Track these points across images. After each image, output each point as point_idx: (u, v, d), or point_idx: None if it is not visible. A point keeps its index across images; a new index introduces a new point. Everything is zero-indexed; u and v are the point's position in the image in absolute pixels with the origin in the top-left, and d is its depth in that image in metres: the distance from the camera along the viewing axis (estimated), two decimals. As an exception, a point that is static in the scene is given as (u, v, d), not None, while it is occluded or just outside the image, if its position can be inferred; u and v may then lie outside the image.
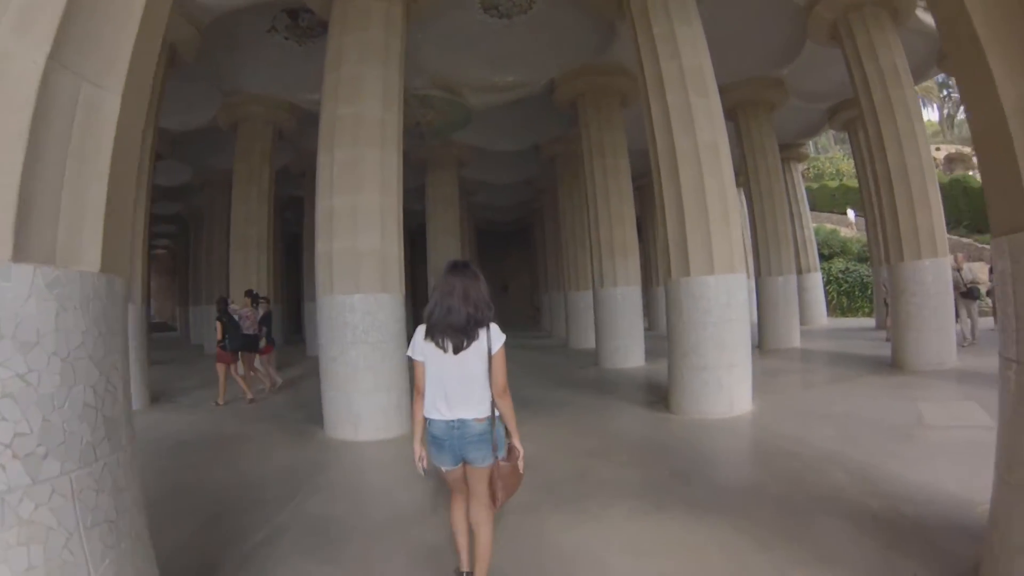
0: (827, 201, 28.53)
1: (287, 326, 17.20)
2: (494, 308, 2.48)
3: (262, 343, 8.73)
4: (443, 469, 2.48)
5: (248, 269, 11.59)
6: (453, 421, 2.36)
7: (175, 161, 14.88)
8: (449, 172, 14.17)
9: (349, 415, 5.79)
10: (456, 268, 2.46)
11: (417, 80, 10.25)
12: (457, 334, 2.34)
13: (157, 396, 8.76)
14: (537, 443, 5.28)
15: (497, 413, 2.42)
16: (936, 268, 8.12)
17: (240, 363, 8.45)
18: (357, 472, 4.89)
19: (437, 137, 12.23)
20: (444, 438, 2.38)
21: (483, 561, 2.46)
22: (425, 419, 2.45)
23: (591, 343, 13.46)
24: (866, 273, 20.99)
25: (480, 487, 2.45)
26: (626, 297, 10.07)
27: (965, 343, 9.62)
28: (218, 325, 7.99)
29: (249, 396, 8.19)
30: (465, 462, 2.44)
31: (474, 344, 2.37)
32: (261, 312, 8.82)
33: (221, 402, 8.06)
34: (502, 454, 2.45)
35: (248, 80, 10.61)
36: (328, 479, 4.64)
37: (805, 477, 4.05)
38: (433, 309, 2.39)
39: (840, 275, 21.39)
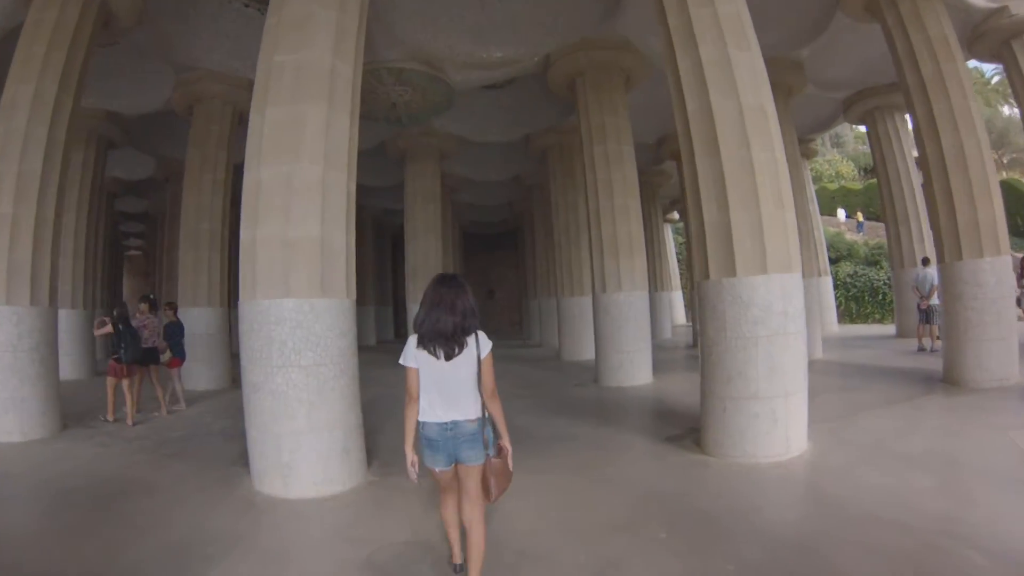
0: (827, 204, 27.51)
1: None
2: (479, 317, 2.57)
3: (165, 356, 7.68)
4: (436, 470, 2.55)
5: (199, 270, 10.00)
6: (447, 423, 2.46)
7: (135, 151, 13.38)
8: (430, 164, 12.59)
9: (277, 463, 4.18)
10: (444, 280, 2.56)
11: (391, 52, 8.69)
12: (447, 342, 2.44)
13: (80, 417, 7.16)
14: (536, 509, 3.74)
15: (487, 414, 2.52)
16: (998, 268, 6.84)
17: (144, 377, 7.56)
18: (277, 560, 3.27)
19: (416, 122, 10.64)
20: (438, 439, 2.47)
21: (476, 559, 2.51)
22: (419, 422, 2.52)
23: (588, 355, 11.97)
24: (876, 277, 19.87)
25: (472, 485, 2.53)
26: (632, 304, 8.57)
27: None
28: (110, 331, 6.80)
29: (163, 412, 7.42)
30: (458, 462, 2.52)
31: (465, 351, 2.47)
32: (166, 321, 7.81)
33: (111, 417, 6.96)
34: (492, 452, 2.53)
35: (205, 55, 9.07)
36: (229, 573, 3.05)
37: (927, 563, 2.77)
38: (423, 319, 2.48)
39: (848, 279, 20.26)
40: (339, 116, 4.61)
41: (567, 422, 6.30)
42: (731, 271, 4.53)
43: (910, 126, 9.39)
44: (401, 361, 2.54)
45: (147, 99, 10.71)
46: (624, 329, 8.50)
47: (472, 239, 25.68)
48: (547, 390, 8.60)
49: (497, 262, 26.35)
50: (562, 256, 12.53)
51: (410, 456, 2.49)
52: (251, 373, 4.24)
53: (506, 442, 2.57)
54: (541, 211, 16.55)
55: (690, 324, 22.79)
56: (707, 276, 4.73)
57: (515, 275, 25.67)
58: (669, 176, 17.97)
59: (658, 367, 9.17)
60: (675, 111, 5.14)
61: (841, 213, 28.09)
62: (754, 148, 4.66)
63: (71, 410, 7.24)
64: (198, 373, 9.44)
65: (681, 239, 28.51)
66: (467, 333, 2.48)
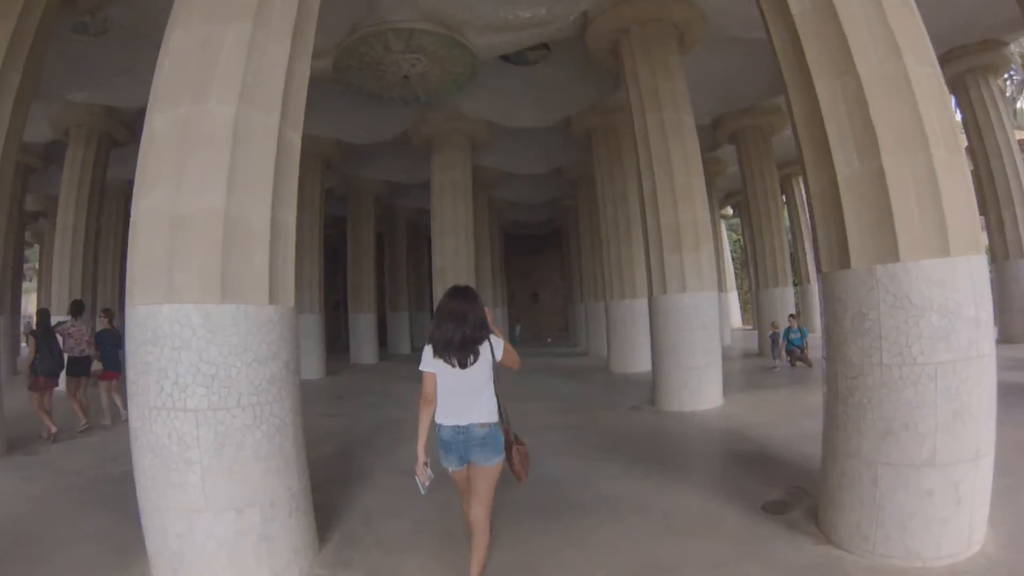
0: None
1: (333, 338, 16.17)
2: (489, 328, 2.61)
3: (96, 367, 6.83)
4: (450, 469, 2.59)
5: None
6: (460, 426, 2.49)
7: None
8: (459, 153, 11.12)
9: (164, 550, 2.72)
10: (456, 293, 2.62)
11: (399, 11, 7.26)
12: (460, 352, 2.48)
13: (28, 440, 6.08)
14: None
15: (497, 420, 2.57)
16: None
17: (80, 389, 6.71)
18: None
19: (435, 99, 9.17)
20: (451, 441, 2.50)
21: (478, 561, 2.55)
22: (435, 424, 2.56)
23: (641, 367, 10.17)
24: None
25: (482, 485, 2.53)
26: (699, 308, 6.74)
27: None
28: (31, 342, 5.94)
29: (84, 425, 6.52)
30: (469, 462, 2.52)
31: (480, 359, 2.52)
32: (98, 328, 7.05)
33: (53, 430, 6.09)
34: (500, 457, 2.56)
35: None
36: None
37: None
38: (438, 330, 2.54)
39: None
40: (273, 38, 3.12)
41: (619, 471, 4.55)
42: (889, 253, 2.71)
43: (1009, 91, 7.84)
44: (421, 367, 2.57)
45: (144, 91, 9.82)
46: (689, 339, 6.67)
47: (514, 240, 24.14)
48: (592, 415, 6.86)
49: (541, 264, 24.69)
50: (610, 254, 10.77)
51: (421, 457, 2.50)
52: (131, 414, 2.78)
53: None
54: (587, 206, 14.82)
55: (749, 328, 20.53)
56: (842, 263, 2.92)
57: (561, 278, 23.93)
58: (726, 164, 15.98)
59: (726, 384, 7.27)
60: (771, 24, 3.38)
61: None
62: (907, 57, 2.86)
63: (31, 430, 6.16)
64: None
65: (735, 236, 26.01)
66: (477, 343, 2.53)
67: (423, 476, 2.50)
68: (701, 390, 6.76)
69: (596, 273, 14.83)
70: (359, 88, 8.70)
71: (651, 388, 7.35)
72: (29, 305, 24.81)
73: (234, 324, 2.69)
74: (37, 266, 24.31)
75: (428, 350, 2.56)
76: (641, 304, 10.58)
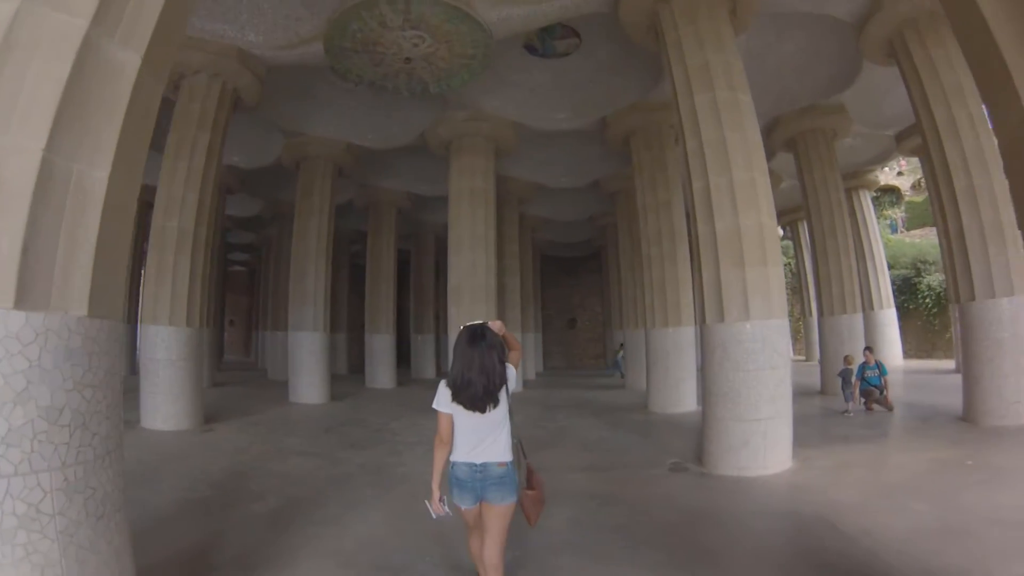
0: (920, 216, 24.07)
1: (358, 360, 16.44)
2: (504, 375, 2.52)
3: None
4: (462, 507, 2.52)
5: (305, 299, 10.52)
6: (477, 465, 2.44)
7: (247, 196, 14.75)
8: (480, 158, 9.85)
9: None
10: (473, 339, 2.48)
11: (398, -21, 6.07)
12: (482, 401, 2.42)
13: None
14: None
15: (512, 458, 2.50)
16: None
17: None
18: None
19: (446, 88, 7.89)
20: (467, 480, 2.44)
21: None
22: (450, 462, 2.50)
23: (683, 406, 8.50)
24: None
25: (497, 525, 2.47)
26: (766, 340, 5.04)
27: None
28: None
29: None
30: (483, 501, 2.46)
31: (500, 401, 2.46)
32: None
33: None
34: (516, 497, 2.50)
35: (310, 123, 10.66)
36: None
37: None
38: (456, 378, 2.46)
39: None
40: None
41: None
42: None
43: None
44: (434, 406, 2.52)
45: (261, 156, 12.13)
46: (753, 382, 4.97)
47: (552, 263, 22.66)
48: (622, 477, 5.22)
49: (580, 288, 23.06)
50: (652, 275, 9.14)
51: (436, 493, 2.48)
52: None
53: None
54: (627, 222, 13.25)
55: (800, 359, 18.16)
56: None
57: (600, 303, 22.20)
58: (779, 178, 14.23)
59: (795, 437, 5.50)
60: None
61: None
62: None
63: None
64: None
65: (786, 258, 23.57)
66: (499, 390, 2.46)
67: (439, 510, 2.49)
68: (766, 449, 5.02)
69: (636, 297, 13.14)
70: (358, 77, 7.58)
71: (698, 438, 5.66)
72: None
73: None
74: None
75: (444, 391, 2.50)
76: (687, 333, 8.90)
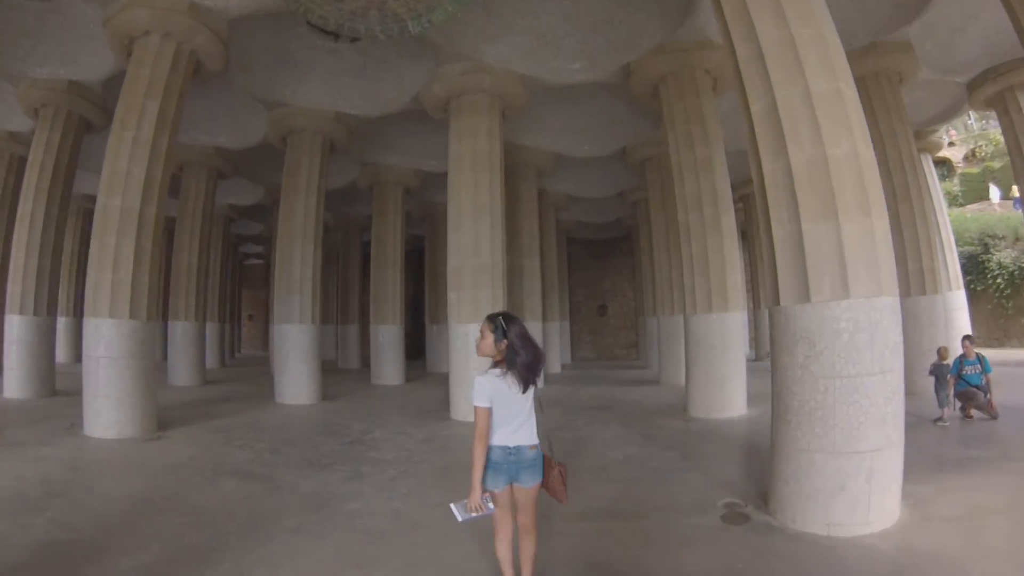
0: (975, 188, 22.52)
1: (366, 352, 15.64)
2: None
3: None
4: (496, 491, 2.53)
5: (292, 289, 9.27)
6: (511, 448, 2.51)
7: (247, 181, 13.64)
8: (483, 118, 8.16)
9: None
10: (515, 319, 2.58)
11: None
12: (531, 377, 2.52)
13: None
14: None
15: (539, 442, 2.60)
16: None
17: None
18: None
19: (425, 26, 6.15)
20: (502, 463, 2.51)
21: (528, 563, 2.58)
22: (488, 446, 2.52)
23: (731, 409, 6.87)
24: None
25: (529, 502, 2.58)
26: (876, 330, 3.19)
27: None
28: None
29: None
30: (515, 483, 2.54)
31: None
32: None
33: None
34: (542, 476, 2.60)
35: (292, 92, 9.21)
36: None
37: None
38: (519, 353, 2.50)
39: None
40: None
41: None
42: None
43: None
44: (475, 403, 2.50)
45: (246, 134, 10.75)
46: (855, 396, 3.14)
47: (579, 246, 20.78)
48: (651, 538, 3.48)
49: (610, 272, 21.10)
50: (692, 247, 7.31)
51: (477, 489, 2.47)
52: None
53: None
54: (660, 194, 11.35)
55: None
56: None
57: (632, 287, 20.26)
58: None
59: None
60: None
61: (994, 191, 22.24)
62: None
63: None
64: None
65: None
66: (542, 367, 2.59)
67: (482, 507, 2.44)
68: (870, 496, 3.20)
69: (672, 277, 11.26)
70: (323, 21, 6.02)
71: (757, 461, 3.93)
72: None
73: None
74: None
75: (483, 384, 2.49)
76: (735, 321, 7.07)
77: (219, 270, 15.34)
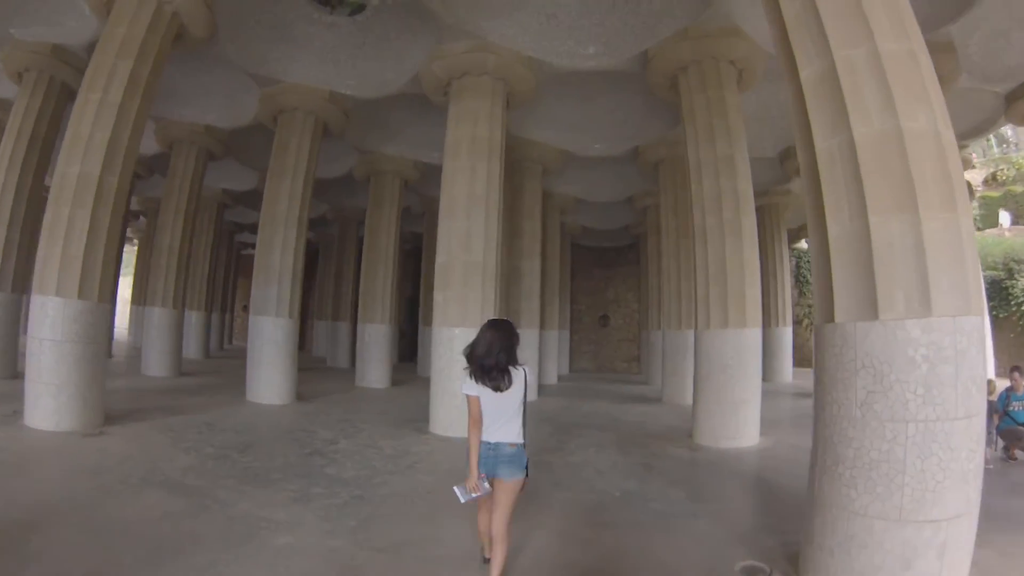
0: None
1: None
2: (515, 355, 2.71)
3: None
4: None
5: (270, 281, 8.39)
6: (491, 444, 2.63)
7: (240, 165, 13.17)
8: (482, 100, 7.40)
9: None
10: (493, 324, 2.76)
11: None
12: (496, 377, 2.61)
13: None
14: None
15: (523, 442, 2.70)
16: None
17: None
18: None
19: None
20: (482, 457, 2.61)
21: (498, 566, 2.60)
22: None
23: (743, 438, 6.07)
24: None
25: (505, 499, 2.63)
26: (962, 357, 2.38)
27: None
28: None
29: None
30: (494, 477, 2.63)
31: (514, 383, 2.65)
32: None
33: None
34: (524, 473, 2.69)
35: (285, 68, 8.48)
36: None
37: None
38: (473, 359, 2.68)
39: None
40: None
41: None
42: None
43: None
44: (463, 391, 2.70)
45: (238, 113, 10.06)
46: (931, 446, 2.33)
47: (584, 252, 19.95)
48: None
49: (615, 281, 20.24)
50: (708, 253, 6.50)
51: (475, 472, 2.59)
52: None
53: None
54: (673, 199, 10.56)
55: None
56: None
57: (636, 298, 19.42)
58: (796, 196, 13.22)
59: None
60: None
61: (1004, 216, 22.92)
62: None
63: None
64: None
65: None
66: (509, 365, 2.65)
67: (477, 489, 2.56)
68: (941, 572, 2.38)
69: (681, 289, 10.45)
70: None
71: (777, 505, 3.11)
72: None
73: None
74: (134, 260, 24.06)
75: (468, 378, 2.68)
76: (753, 338, 6.26)
77: (209, 257, 14.60)
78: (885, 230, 2.46)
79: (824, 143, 2.76)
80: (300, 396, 8.62)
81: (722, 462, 5.41)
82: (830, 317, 2.62)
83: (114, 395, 7.75)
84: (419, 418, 7.14)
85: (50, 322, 5.69)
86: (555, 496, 4.18)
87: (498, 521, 2.62)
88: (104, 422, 6.03)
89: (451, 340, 6.67)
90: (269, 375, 8.08)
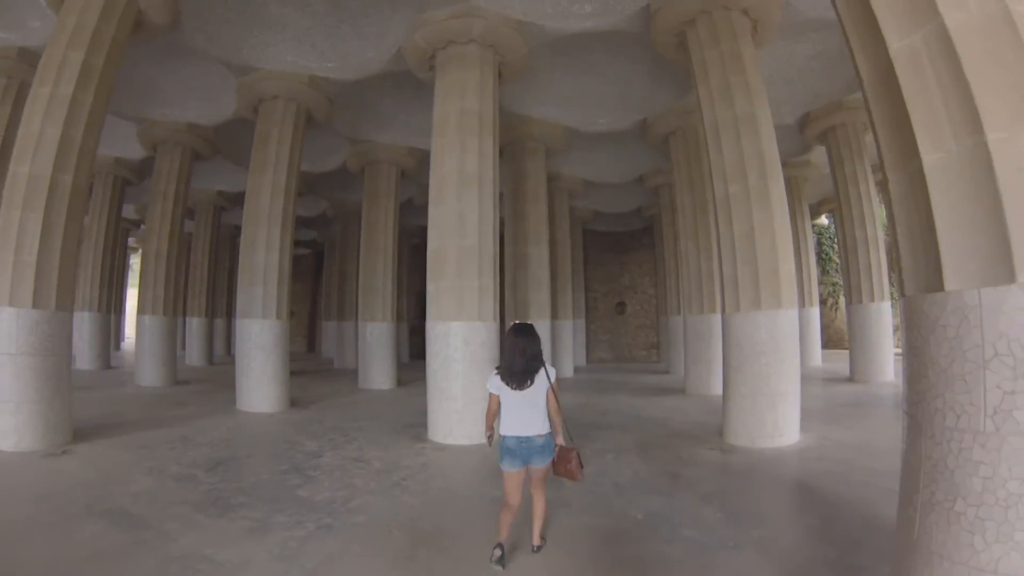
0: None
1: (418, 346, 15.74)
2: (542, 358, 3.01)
3: None
4: (512, 471, 2.93)
5: (254, 280, 7.78)
6: (523, 437, 2.90)
7: (232, 165, 12.23)
8: (471, 71, 6.64)
9: None
10: (517, 330, 3.01)
11: None
12: (520, 378, 2.92)
13: None
14: None
15: (549, 430, 2.98)
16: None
17: None
18: None
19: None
20: (516, 449, 2.90)
21: (539, 520, 3.03)
22: (501, 436, 2.97)
23: (782, 436, 5.17)
24: None
25: (540, 476, 2.98)
26: None
27: None
28: None
29: None
30: (529, 465, 2.93)
31: (536, 382, 2.93)
32: None
33: None
34: (552, 456, 2.99)
35: (260, 54, 7.81)
36: None
37: None
38: (503, 363, 3.04)
39: None
40: None
41: None
42: None
43: None
44: (488, 388, 3.03)
45: (218, 108, 9.47)
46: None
47: (597, 238, 19.08)
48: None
49: (631, 266, 19.36)
50: (733, 227, 5.67)
51: (488, 432, 3.04)
52: None
53: (561, 440, 3.02)
54: (686, 173, 9.70)
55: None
56: None
57: (653, 283, 18.52)
58: (817, 168, 12.16)
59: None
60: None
61: None
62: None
63: None
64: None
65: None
66: (536, 371, 2.93)
67: (495, 438, 3.02)
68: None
69: (702, 269, 9.60)
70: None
71: (838, 530, 2.37)
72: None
73: None
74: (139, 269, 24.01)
75: (493, 378, 3.01)
76: (789, 320, 5.43)
77: (206, 262, 14.13)
78: (1013, 149, 1.66)
79: (900, 41, 1.96)
80: (295, 402, 8.03)
81: (760, 467, 4.61)
82: (935, 284, 1.81)
83: (94, 408, 7.26)
84: (419, 423, 6.47)
85: (4, 334, 5.16)
86: (565, 522, 3.45)
87: (537, 488, 2.99)
88: (72, 439, 5.52)
89: (446, 336, 5.98)
90: (259, 382, 7.50)
